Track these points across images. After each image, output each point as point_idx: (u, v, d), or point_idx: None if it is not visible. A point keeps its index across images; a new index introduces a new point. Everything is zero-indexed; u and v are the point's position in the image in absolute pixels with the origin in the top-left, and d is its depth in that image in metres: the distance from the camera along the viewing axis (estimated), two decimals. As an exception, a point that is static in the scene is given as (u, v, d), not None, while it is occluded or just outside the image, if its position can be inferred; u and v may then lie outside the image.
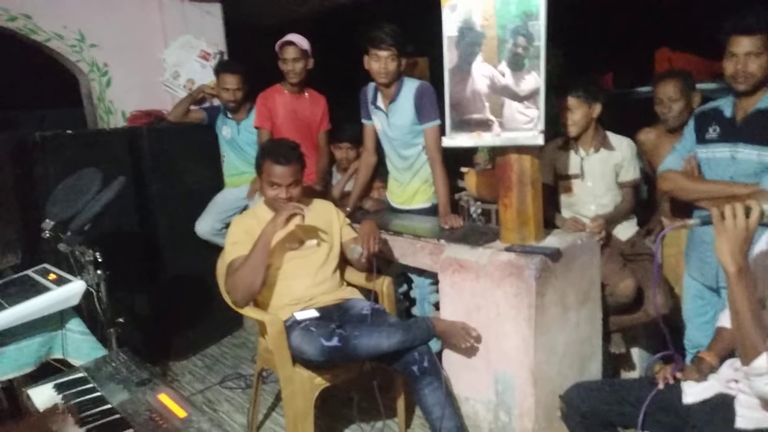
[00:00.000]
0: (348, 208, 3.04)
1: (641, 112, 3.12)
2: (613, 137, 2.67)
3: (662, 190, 2.43)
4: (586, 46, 6.13)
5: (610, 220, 2.65)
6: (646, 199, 3.12)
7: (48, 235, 2.34)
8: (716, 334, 1.82)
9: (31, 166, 2.89)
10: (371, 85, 2.94)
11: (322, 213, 2.59)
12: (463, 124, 2.26)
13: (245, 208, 3.50)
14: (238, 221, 2.53)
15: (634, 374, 2.83)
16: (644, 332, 2.78)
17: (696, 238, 2.36)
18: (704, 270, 2.32)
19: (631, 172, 2.69)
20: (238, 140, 3.62)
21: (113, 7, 3.75)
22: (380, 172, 3.19)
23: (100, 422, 1.60)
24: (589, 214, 2.64)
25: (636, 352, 2.85)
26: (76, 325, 2.28)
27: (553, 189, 2.73)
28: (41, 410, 1.61)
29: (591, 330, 2.42)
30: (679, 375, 1.74)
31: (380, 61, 2.71)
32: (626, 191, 2.72)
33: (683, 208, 2.48)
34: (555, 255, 2.17)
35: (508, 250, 2.25)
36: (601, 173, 2.64)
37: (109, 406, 1.68)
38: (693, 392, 1.72)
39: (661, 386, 1.73)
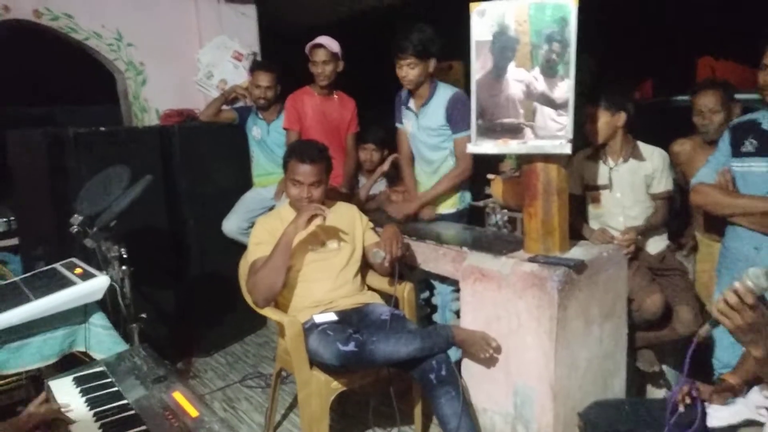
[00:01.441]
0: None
1: (682, 121, 3.04)
2: (644, 147, 2.60)
3: (695, 204, 2.36)
4: (626, 53, 6.03)
5: (641, 233, 2.57)
6: (678, 213, 3.03)
7: (76, 229, 2.40)
8: (743, 357, 1.74)
9: (64, 162, 2.96)
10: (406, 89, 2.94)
11: (345, 216, 2.59)
12: (490, 131, 2.23)
13: (272, 208, 3.52)
14: (262, 221, 2.55)
15: (661, 393, 2.74)
16: (672, 350, 2.69)
17: (729, 256, 2.27)
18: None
19: (663, 184, 2.60)
20: (267, 141, 3.65)
21: (151, 7, 3.83)
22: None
23: (114, 417, 1.63)
24: (618, 226, 2.57)
25: (665, 370, 2.76)
26: (99, 319, 2.32)
27: (581, 200, 2.68)
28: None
29: (615, 346, 2.35)
30: (696, 394, 1.67)
31: (402, 69, 2.75)
32: (659, 203, 2.64)
33: (718, 223, 2.40)
34: (579, 267, 2.12)
35: (531, 260, 2.20)
36: (630, 184, 2.57)
37: (125, 401, 1.70)
38: (719, 416, 1.65)
39: (681, 409, 1.66)
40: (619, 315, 2.34)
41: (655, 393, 2.77)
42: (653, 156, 2.58)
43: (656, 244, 2.65)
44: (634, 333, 2.50)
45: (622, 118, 2.54)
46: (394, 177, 3.35)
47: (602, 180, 2.60)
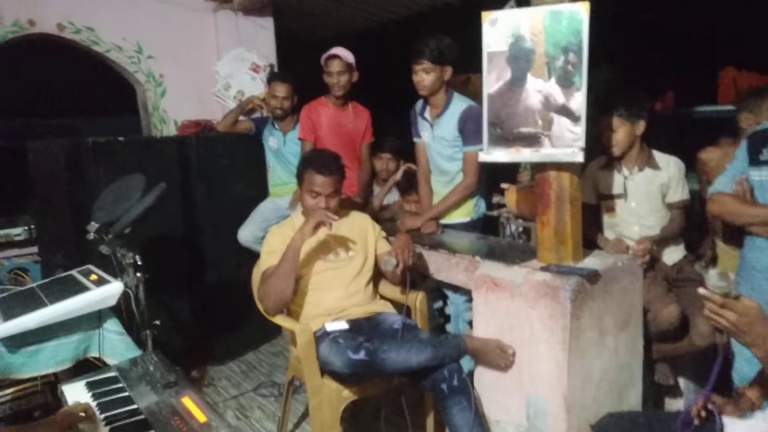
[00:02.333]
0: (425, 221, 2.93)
1: (703, 131, 3.00)
2: (660, 156, 2.56)
3: (712, 213, 2.31)
4: (646, 64, 5.98)
5: (657, 243, 2.53)
6: (698, 223, 2.98)
7: (92, 236, 2.43)
8: (761, 370, 1.70)
9: (83, 171, 3.02)
10: (421, 100, 2.95)
11: (358, 225, 2.59)
12: (502, 140, 2.22)
13: (287, 217, 3.54)
14: (275, 231, 2.56)
15: (679, 406, 2.68)
16: (690, 362, 2.64)
17: (747, 266, 2.23)
18: (755, 299, 2.18)
19: (679, 193, 2.57)
20: (283, 151, 3.68)
21: (170, 20, 3.91)
22: (415, 185, 3.16)
23: (123, 422, 1.65)
24: (633, 236, 2.53)
25: (682, 383, 2.70)
26: (113, 325, 2.35)
27: (596, 209, 2.64)
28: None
29: (630, 357, 2.31)
30: (711, 407, 1.63)
31: (417, 75, 2.76)
32: (675, 212, 2.60)
33: (737, 232, 2.35)
34: (593, 276, 2.09)
35: (543, 269, 2.18)
36: (645, 193, 2.53)
37: (134, 406, 1.72)
38: (736, 429, 1.61)
39: (696, 422, 1.62)
40: (634, 326, 2.30)
41: (673, 406, 2.71)
42: (669, 165, 2.55)
43: (673, 255, 2.61)
44: (651, 345, 2.46)
45: (641, 126, 2.52)
46: (407, 187, 3.35)
47: (617, 189, 2.57)
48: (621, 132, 2.50)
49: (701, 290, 1.41)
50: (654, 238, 2.51)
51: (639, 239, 2.50)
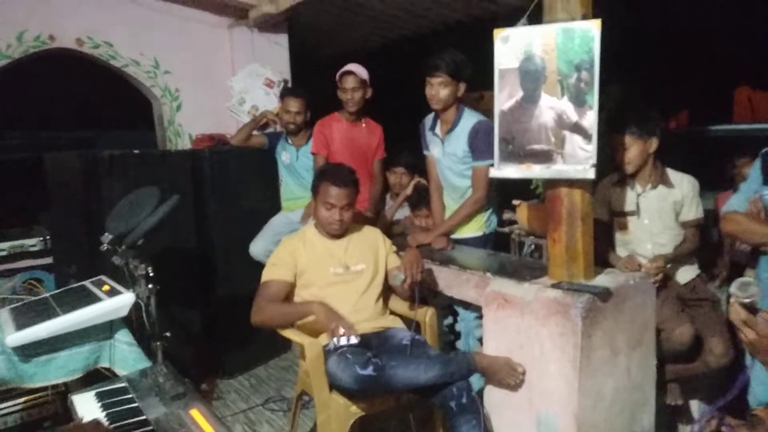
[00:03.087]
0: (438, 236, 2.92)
1: (718, 150, 2.98)
2: (673, 174, 2.55)
3: (725, 232, 2.29)
4: (661, 82, 5.97)
5: (670, 261, 2.51)
6: (713, 242, 2.95)
7: (106, 248, 2.46)
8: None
9: (98, 183, 3.06)
10: (431, 115, 2.95)
11: (369, 239, 2.60)
12: (514, 156, 2.22)
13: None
14: (285, 242, 2.57)
15: (691, 429, 2.63)
16: (704, 383, 2.59)
17: (763, 286, 2.19)
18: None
19: (693, 211, 2.55)
20: (296, 166, 3.70)
21: (187, 36, 3.98)
22: (425, 201, 3.16)
23: (131, 433, 1.65)
24: (646, 253, 2.51)
25: (695, 405, 2.66)
26: (124, 335, 2.36)
27: (608, 226, 2.63)
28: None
29: (643, 377, 2.27)
30: (726, 430, 1.61)
31: (432, 88, 2.75)
32: (689, 231, 2.58)
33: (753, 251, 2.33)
34: (604, 294, 2.07)
35: (555, 286, 2.16)
36: (658, 211, 2.52)
37: (143, 417, 1.72)
38: (750, 452, 1.58)
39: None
40: (647, 345, 2.27)
41: (684, 430, 2.67)
42: (682, 183, 2.53)
43: (686, 274, 2.58)
44: (664, 365, 2.43)
45: (654, 143, 2.51)
46: (417, 202, 3.35)
47: (629, 206, 2.56)
48: (634, 150, 2.49)
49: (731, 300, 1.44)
50: (667, 256, 2.48)
51: (652, 257, 2.47)
